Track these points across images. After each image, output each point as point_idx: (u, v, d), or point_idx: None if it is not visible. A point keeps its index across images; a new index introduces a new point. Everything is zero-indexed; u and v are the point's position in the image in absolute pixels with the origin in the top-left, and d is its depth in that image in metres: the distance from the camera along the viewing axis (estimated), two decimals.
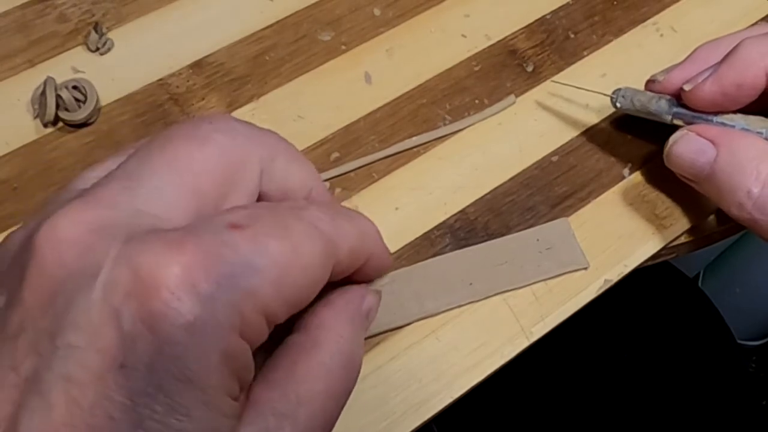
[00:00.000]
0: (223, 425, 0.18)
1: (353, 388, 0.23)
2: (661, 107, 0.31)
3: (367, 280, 0.26)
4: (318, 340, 0.22)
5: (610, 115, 0.35)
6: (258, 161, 0.22)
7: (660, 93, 0.31)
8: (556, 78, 0.36)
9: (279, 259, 0.18)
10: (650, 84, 0.32)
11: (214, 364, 0.17)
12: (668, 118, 0.31)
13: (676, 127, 0.30)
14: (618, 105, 0.32)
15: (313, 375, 0.21)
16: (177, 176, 0.19)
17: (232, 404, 0.18)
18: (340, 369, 0.22)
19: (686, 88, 0.29)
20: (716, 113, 0.29)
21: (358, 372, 0.23)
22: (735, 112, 0.29)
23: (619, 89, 0.32)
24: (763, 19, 0.39)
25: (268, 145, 0.22)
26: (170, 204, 0.19)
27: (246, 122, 0.22)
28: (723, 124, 0.29)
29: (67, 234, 0.18)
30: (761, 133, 0.28)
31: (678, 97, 0.30)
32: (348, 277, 0.23)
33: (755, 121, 0.29)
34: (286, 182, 0.23)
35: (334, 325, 0.23)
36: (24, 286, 0.17)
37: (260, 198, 0.22)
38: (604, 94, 0.33)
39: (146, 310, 0.16)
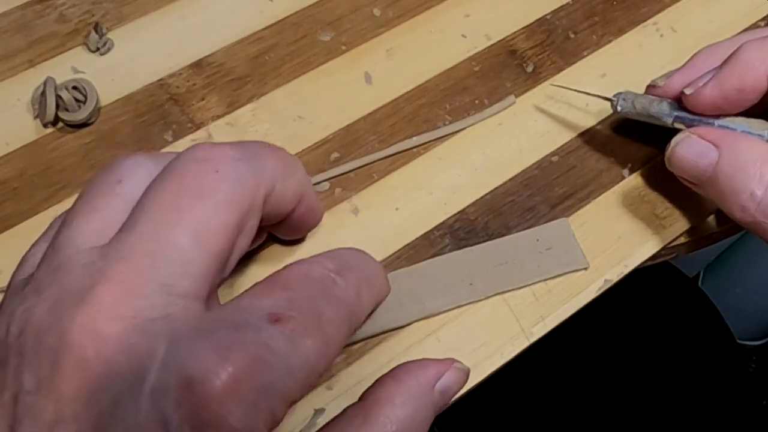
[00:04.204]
0: None
1: None
2: (662, 110, 0.31)
3: None
4: (368, 417, 0.22)
5: (609, 116, 0.35)
6: (263, 196, 0.22)
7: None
8: (556, 80, 0.36)
9: (311, 357, 0.19)
10: (651, 89, 0.32)
11: None
12: (669, 120, 0.30)
13: (676, 130, 0.30)
14: (619, 108, 0.32)
15: None
16: (198, 246, 0.19)
17: None
18: None
19: (687, 92, 0.29)
20: (718, 116, 0.29)
21: None
22: (736, 115, 0.29)
23: (620, 93, 0.32)
24: (763, 20, 0.39)
25: (268, 174, 0.22)
26: (197, 277, 0.19)
27: (245, 152, 0.22)
28: (725, 127, 0.29)
29: (108, 330, 0.18)
30: (763, 136, 0.28)
31: (679, 101, 0.30)
32: None
33: (757, 124, 0.29)
34: (282, 201, 0.23)
35: (390, 403, 0.23)
36: (60, 376, 0.18)
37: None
38: (605, 98, 0.32)
39: (196, 418, 0.17)
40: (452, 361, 0.25)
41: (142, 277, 0.18)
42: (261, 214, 0.22)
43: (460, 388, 0.25)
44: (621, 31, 0.38)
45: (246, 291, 0.20)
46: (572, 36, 0.38)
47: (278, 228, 0.26)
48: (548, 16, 0.39)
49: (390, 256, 0.31)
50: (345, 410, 0.23)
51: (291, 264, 0.21)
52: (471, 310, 0.30)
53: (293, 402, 0.19)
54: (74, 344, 0.18)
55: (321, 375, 0.20)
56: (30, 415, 0.18)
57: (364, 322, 0.25)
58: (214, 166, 0.20)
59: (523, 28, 0.38)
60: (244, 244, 0.21)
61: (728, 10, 0.39)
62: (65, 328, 0.18)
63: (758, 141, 0.28)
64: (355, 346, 0.29)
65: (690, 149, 0.29)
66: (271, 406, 0.18)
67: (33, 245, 0.22)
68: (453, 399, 0.25)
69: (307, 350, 0.19)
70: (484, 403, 0.61)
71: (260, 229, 0.24)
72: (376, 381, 0.24)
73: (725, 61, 0.29)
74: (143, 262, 0.19)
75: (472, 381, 0.29)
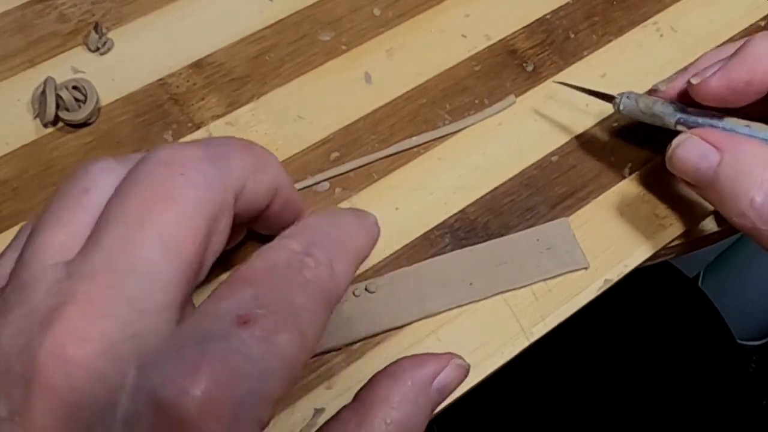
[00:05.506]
0: None
1: None
2: (666, 110, 0.30)
3: None
4: (363, 420, 0.22)
5: (609, 116, 0.35)
6: (233, 196, 0.21)
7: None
8: (557, 78, 0.36)
9: (288, 352, 0.18)
10: (652, 93, 0.32)
11: None
12: (672, 121, 0.30)
13: (677, 132, 0.30)
14: (621, 107, 0.32)
15: None
16: (167, 256, 0.18)
17: None
18: None
19: (694, 81, 0.29)
20: (721, 118, 0.29)
21: None
22: (739, 118, 0.29)
23: (622, 93, 0.32)
24: (763, 20, 0.39)
25: (237, 173, 0.21)
26: (168, 289, 0.18)
27: (211, 151, 0.21)
28: (728, 129, 0.29)
29: (76, 355, 0.17)
30: (765, 140, 0.28)
31: (682, 105, 0.30)
32: None
33: (759, 128, 0.28)
34: (255, 196, 0.22)
35: (386, 404, 0.22)
36: (32, 405, 0.17)
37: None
38: (607, 96, 0.32)
39: None
40: (451, 356, 0.24)
41: (109, 294, 0.18)
42: (233, 213, 0.21)
43: (459, 384, 0.24)
44: (621, 31, 0.38)
45: (211, 294, 0.19)
46: (572, 36, 0.38)
47: (256, 224, 0.25)
48: (548, 16, 0.39)
49: (390, 256, 0.31)
50: (339, 413, 0.22)
51: (255, 253, 0.20)
52: (471, 310, 0.30)
53: (279, 398, 0.18)
54: (42, 371, 0.17)
55: (304, 365, 0.19)
56: None
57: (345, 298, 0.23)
58: (179, 169, 0.19)
59: (523, 28, 0.38)
60: (217, 244, 0.20)
61: (728, 10, 0.39)
62: (33, 354, 0.17)
63: (762, 145, 0.27)
64: (355, 346, 0.29)
65: (691, 150, 0.28)
66: (255, 414, 0.17)
67: (1, 255, 0.21)
68: (451, 395, 0.24)
69: (283, 346, 0.18)
70: (484, 403, 0.61)
71: (237, 226, 0.23)
72: (372, 379, 0.23)
73: (734, 53, 0.28)
74: (109, 278, 0.18)
75: (473, 381, 0.29)
